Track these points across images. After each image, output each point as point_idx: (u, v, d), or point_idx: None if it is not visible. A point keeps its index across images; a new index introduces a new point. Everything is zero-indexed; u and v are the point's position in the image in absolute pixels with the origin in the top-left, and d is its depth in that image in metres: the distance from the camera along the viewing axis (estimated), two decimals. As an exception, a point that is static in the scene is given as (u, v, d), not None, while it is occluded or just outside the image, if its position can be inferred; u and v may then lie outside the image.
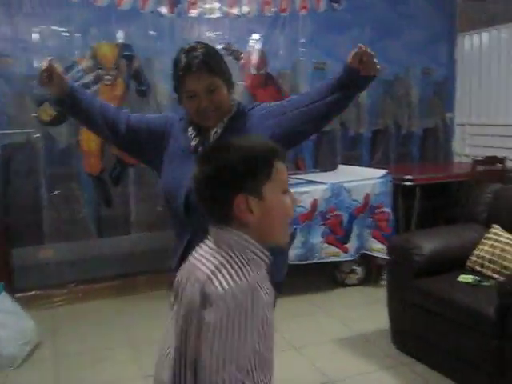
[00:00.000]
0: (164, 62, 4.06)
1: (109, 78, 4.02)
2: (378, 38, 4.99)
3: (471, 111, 5.45)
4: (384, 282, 4.24)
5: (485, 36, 5.26)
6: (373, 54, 1.64)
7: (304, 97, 1.80)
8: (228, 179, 1.15)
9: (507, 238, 2.99)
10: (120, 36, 4.06)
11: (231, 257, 1.16)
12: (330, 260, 4.10)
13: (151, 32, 4.16)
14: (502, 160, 4.70)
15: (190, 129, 1.76)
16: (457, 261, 3.08)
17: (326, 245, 4.02)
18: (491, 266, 2.94)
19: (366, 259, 4.30)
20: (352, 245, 4.11)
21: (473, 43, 5.38)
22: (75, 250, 4.12)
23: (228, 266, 1.13)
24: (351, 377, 2.90)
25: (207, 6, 4.35)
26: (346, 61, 1.67)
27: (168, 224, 1.98)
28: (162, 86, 4.21)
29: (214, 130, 1.73)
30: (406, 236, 3.08)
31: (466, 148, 5.52)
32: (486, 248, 3.01)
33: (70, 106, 1.81)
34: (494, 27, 5.17)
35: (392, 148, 5.34)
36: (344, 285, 4.31)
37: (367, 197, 4.09)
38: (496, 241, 3.00)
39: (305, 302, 4.00)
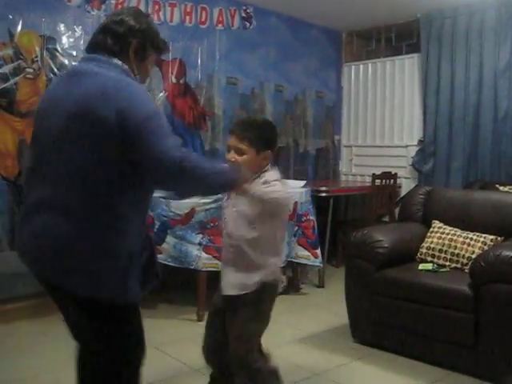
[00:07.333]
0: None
1: (30, 70, 3.60)
2: (281, 59, 5.28)
3: (357, 134, 5.97)
4: (304, 290, 4.40)
5: (367, 67, 5.86)
6: None
7: None
8: None
9: (452, 230, 3.32)
10: (45, 27, 3.69)
11: None
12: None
13: (76, 27, 3.86)
14: (394, 176, 5.21)
15: None
16: (408, 253, 3.33)
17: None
18: (442, 255, 3.23)
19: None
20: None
21: (357, 72, 5.95)
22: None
23: None
24: (331, 369, 2.92)
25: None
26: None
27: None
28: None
29: None
30: (365, 232, 3.24)
31: (353, 168, 6.01)
32: (434, 240, 3.31)
33: None
34: (375, 60, 5.80)
35: (291, 165, 5.58)
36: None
37: (295, 205, 4.21)
38: (443, 233, 3.32)
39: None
